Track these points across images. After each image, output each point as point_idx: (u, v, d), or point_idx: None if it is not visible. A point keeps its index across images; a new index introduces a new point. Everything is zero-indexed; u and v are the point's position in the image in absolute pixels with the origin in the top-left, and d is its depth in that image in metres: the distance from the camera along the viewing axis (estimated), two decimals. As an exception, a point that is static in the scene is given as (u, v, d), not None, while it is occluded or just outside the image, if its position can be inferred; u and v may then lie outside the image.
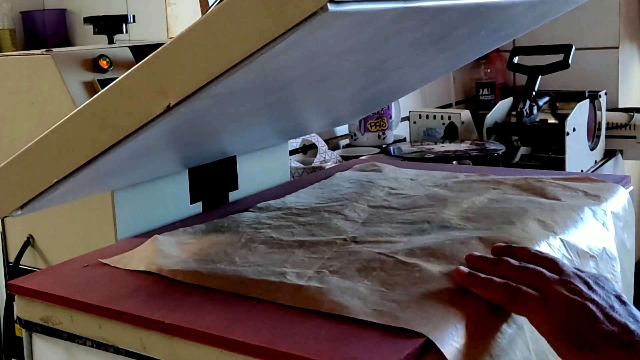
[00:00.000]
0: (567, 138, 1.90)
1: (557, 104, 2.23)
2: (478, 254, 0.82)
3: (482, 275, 0.76)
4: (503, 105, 2.13)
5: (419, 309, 0.72)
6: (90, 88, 1.06)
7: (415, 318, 0.70)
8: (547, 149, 2.06)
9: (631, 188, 1.17)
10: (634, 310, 0.71)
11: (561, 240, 0.94)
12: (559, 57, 2.03)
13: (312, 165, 1.75)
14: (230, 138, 1.10)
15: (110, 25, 1.28)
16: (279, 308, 0.76)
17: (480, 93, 2.63)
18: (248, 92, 0.79)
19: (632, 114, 2.30)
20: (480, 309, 0.74)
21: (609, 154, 2.25)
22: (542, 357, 0.78)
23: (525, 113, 2.00)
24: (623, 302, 0.72)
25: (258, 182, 1.28)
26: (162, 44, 0.69)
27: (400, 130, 2.23)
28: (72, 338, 0.82)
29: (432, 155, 1.76)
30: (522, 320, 0.78)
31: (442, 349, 0.66)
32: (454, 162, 1.72)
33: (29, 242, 1.18)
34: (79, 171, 0.77)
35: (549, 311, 0.70)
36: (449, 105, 2.58)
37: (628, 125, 2.28)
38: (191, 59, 0.67)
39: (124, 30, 1.29)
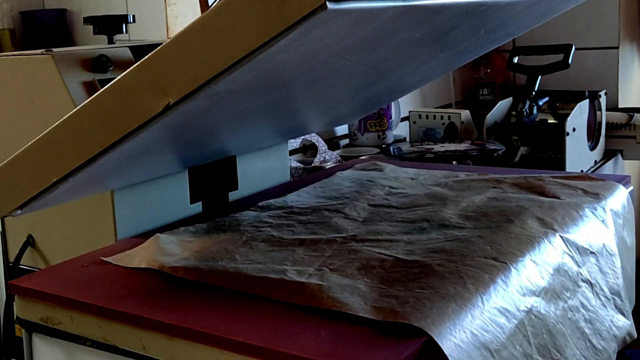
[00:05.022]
0: (567, 138, 1.90)
1: (557, 104, 2.23)
2: None
3: None
4: (503, 105, 2.13)
5: (417, 303, 0.72)
6: (90, 88, 1.06)
7: (413, 313, 0.70)
8: (547, 149, 2.06)
9: (631, 188, 1.17)
10: None
11: (561, 237, 0.94)
12: (559, 57, 2.03)
13: (312, 165, 1.74)
14: (230, 137, 1.10)
15: (110, 25, 1.28)
16: (279, 308, 0.76)
17: (480, 93, 2.62)
18: (247, 90, 0.79)
19: (632, 114, 2.30)
20: (480, 304, 0.74)
21: (608, 154, 2.25)
22: (543, 352, 0.78)
23: (525, 113, 2.00)
24: None
25: (258, 182, 1.28)
26: (162, 43, 0.69)
27: (400, 130, 2.23)
28: (72, 338, 0.82)
29: (432, 155, 1.76)
30: (523, 315, 0.78)
31: (440, 344, 0.66)
32: (454, 162, 1.72)
33: (29, 242, 1.17)
34: (78, 171, 0.77)
35: None
36: (449, 105, 2.58)
37: (628, 125, 2.28)
38: (191, 57, 0.67)
39: (124, 30, 1.29)
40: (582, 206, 1.04)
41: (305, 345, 0.67)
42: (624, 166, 2.37)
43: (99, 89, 0.77)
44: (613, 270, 0.99)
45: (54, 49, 1.10)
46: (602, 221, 1.03)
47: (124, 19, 1.29)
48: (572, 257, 0.93)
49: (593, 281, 0.94)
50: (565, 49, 2.04)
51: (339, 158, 1.84)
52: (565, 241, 0.94)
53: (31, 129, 0.89)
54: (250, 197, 1.23)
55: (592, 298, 0.92)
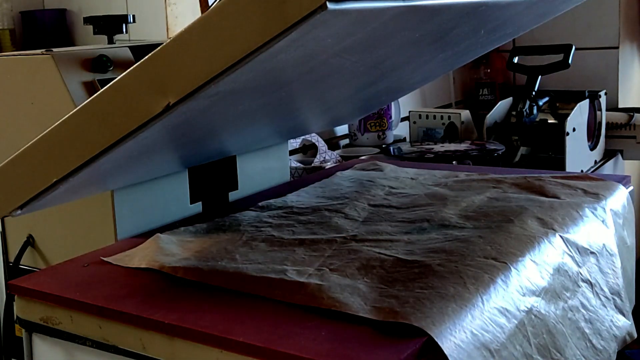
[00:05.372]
0: (567, 138, 1.90)
1: (557, 104, 2.23)
2: None
3: None
4: (503, 105, 2.13)
5: (417, 303, 0.72)
6: (90, 88, 1.06)
7: (413, 313, 0.70)
8: (547, 149, 2.06)
9: (631, 188, 1.17)
10: None
11: (561, 237, 0.94)
12: (559, 57, 2.03)
13: (312, 165, 1.74)
14: (230, 137, 1.10)
15: (110, 25, 1.28)
16: (279, 308, 0.76)
17: (480, 93, 2.62)
18: (247, 91, 0.79)
19: (632, 114, 2.30)
20: (480, 304, 0.74)
21: (608, 154, 2.25)
22: (543, 352, 0.78)
23: (525, 113, 2.00)
24: None
25: (258, 182, 1.28)
26: (162, 43, 0.69)
27: (400, 130, 2.23)
28: (72, 338, 0.82)
29: (432, 155, 1.76)
30: (523, 315, 0.78)
31: (440, 344, 0.66)
32: (454, 162, 1.72)
33: (29, 242, 1.17)
34: (78, 171, 0.77)
35: None
36: (449, 105, 2.57)
37: (628, 125, 2.28)
38: (191, 57, 0.67)
39: (124, 30, 1.29)
40: (582, 206, 1.04)
41: (305, 345, 0.67)
42: (624, 166, 2.37)
43: (99, 89, 0.77)
44: (613, 270, 0.99)
45: (54, 49, 1.10)
46: (602, 221, 1.03)
47: (124, 19, 1.29)
48: (572, 257, 0.93)
49: (593, 281, 0.94)
50: (565, 49, 2.04)
51: (339, 158, 1.84)
52: (565, 241, 0.94)
53: (31, 129, 0.89)
54: (250, 197, 1.23)
55: (592, 298, 0.92)
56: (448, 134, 2.12)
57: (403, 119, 2.26)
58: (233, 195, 1.23)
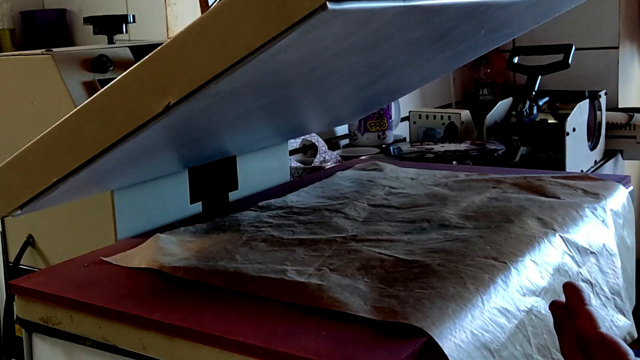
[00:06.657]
0: (567, 138, 1.90)
1: (557, 104, 2.23)
2: None
3: None
4: (503, 105, 2.13)
5: (417, 303, 0.72)
6: (90, 88, 1.06)
7: (413, 313, 0.70)
8: (547, 149, 2.06)
9: (631, 188, 1.17)
10: None
11: (561, 237, 0.94)
12: (559, 57, 2.03)
13: (312, 165, 1.74)
14: (230, 138, 1.10)
15: (110, 25, 1.28)
16: (279, 308, 0.76)
17: (480, 93, 2.63)
18: (248, 91, 0.79)
19: (632, 114, 2.30)
20: (480, 304, 0.74)
21: (608, 154, 2.25)
22: (544, 352, 0.78)
23: (525, 113, 2.00)
24: None
25: (258, 182, 1.28)
26: (162, 43, 0.69)
27: (400, 130, 2.23)
28: (72, 338, 0.82)
29: (432, 155, 1.76)
30: (523, 315, 0.78)
31: (440, 344, 0.66)
32: (454, 162, 1.72)
33: (29, 242, 1.17)
34: (78, 171, 0.77)
35: None
36: (449, 105, 2.58)
37: (628, 125, 2.28)
38: (191, 57, 0.67)
39: (124, 30, 1.29)
40: (582, 206, 1.04)
41: (305, 345, 0.67)
42: (624, 166, 2.37)
43: (99, 89, 0.77)
44: (613, 270, 0.99)
45: (54, 49, 1.10)
46: (602, 221, 1.03)
47: (124, 19, 1.29)
48: (572, 257, 0.93)
49: (593, 281, 0.94)
50: (565, 49, 2.04)
51: (339, 158, 1.84)
52: (566, 241, 0.94)
53: (31, 129, 0.89)
54: (250, 197, 1.23)
55: (593, 298, 0.92)
56: (448, 134, 2.12)
57: (403, 119, 2.26)
58: (233, 195, 1.23)
